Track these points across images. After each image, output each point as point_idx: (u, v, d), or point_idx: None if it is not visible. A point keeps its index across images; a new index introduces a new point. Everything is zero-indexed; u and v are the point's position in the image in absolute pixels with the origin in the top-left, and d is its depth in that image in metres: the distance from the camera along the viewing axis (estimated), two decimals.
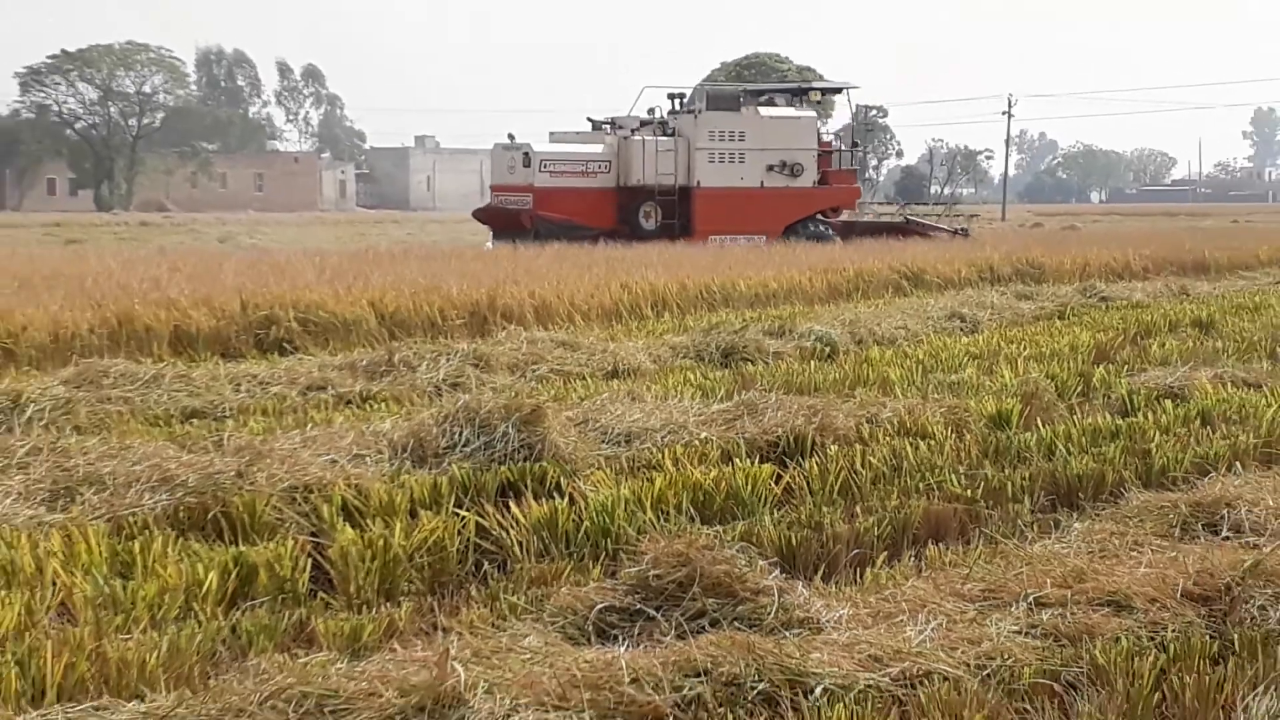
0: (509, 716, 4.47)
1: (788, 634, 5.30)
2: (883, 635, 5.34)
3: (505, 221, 33.48)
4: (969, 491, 7.88)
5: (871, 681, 4.95)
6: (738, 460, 8.32)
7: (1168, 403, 10.59)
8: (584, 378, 12.35)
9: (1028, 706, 4.98)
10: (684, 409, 9.70)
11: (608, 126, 35.79)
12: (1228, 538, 6.81)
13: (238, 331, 14.40)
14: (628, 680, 4.75)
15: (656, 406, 9.74)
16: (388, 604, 6.16)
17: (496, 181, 35.14)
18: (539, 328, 15.18)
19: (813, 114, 37.96)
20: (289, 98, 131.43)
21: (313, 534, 6.92)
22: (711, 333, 14.92)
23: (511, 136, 34.77)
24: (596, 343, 14.05)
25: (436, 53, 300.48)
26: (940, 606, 5.72)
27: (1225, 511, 7.06)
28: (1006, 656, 5.25)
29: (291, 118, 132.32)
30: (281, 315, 14.76)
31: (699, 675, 4.84)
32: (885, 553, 6.89)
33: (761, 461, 8.34)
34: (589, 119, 36.55)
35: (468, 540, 6.85)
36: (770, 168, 35.66)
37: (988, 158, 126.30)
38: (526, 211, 33.04)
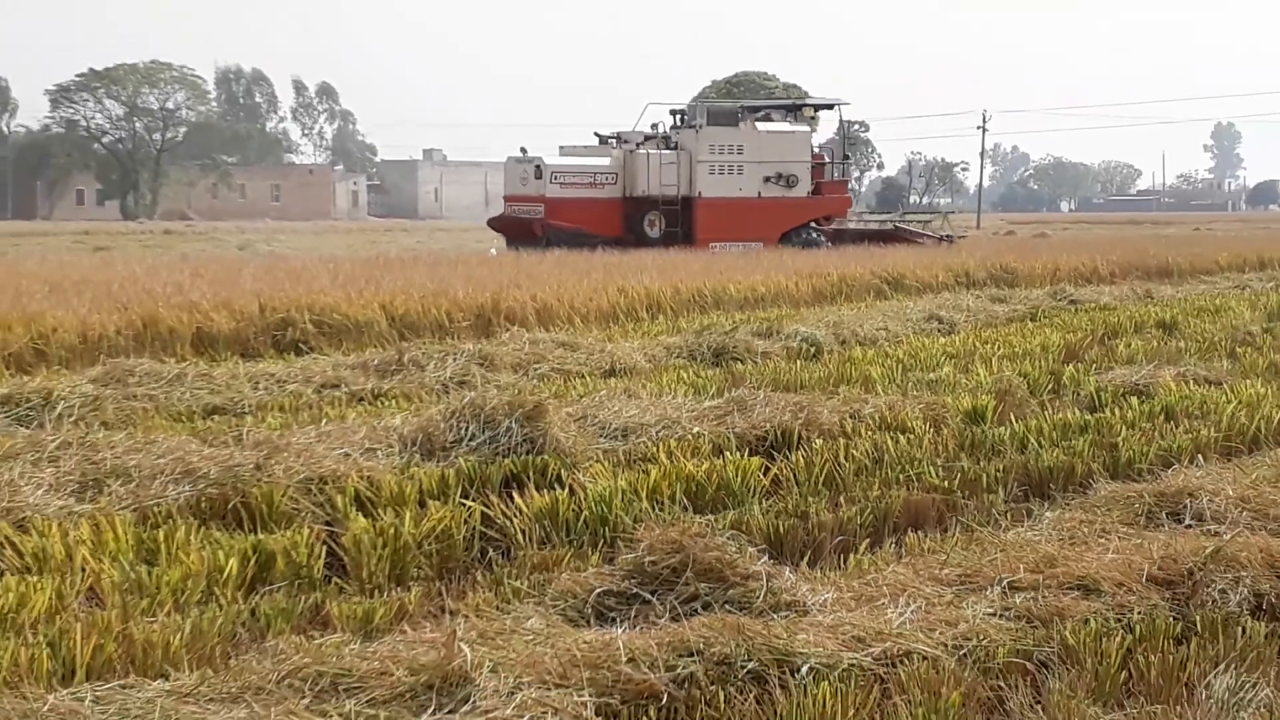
0: (513, 694, 4.47)
1: (776, 616, 5.29)
2: (865, 617, 5.33)
3: (518, 230, 33.72)
4: (946, 482, 7.88)
5: (855, 661, 4.95)
6: (728, 453, 8.32)
7: (1133, 399, 10.60)
8: (583, 376, 12.34)
9: (1002, 684, 4.98)
10: (677, 405, 9.70)
11: (614, 141, 36.04)
12: (1190, 526, 6.81)
13: (256, 333, 14.39)
14: (625, 660, 4.74)
15: (651, 403, 9.74)
16: (398, 588, 6.16)
17: (510, 192, 35.33)
18: (540, 329, 15.17)
19: (806, 128, 38.16)
20: (304, 113, 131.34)
21: (327, 523, 6.92)
22: (703, 334, 14.91)
23: (524, 150, 35.05)
24: (595, 343, 14.05)
25: (443, 71, 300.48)
26: (919, 590, 5.72)
27: (1188, 501, 7.06)
28: (982, 637, 5.25)
29: (307, 132, 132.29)
30: (297, 318, 14.75)
31: (692, 655, 4.84)
32: (867, 540, 6.88)
33: (751, 454, 8.34)
34: (596, 133, 36.86)
35: (473, 529, 6.84)
36: (767, 179, 35.91)
37: (963, 169, 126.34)
38: (539, 220, 33.29)
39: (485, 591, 5.98)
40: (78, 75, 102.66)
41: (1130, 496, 7.28)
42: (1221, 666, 5.10)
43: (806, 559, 6.55)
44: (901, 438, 8.93)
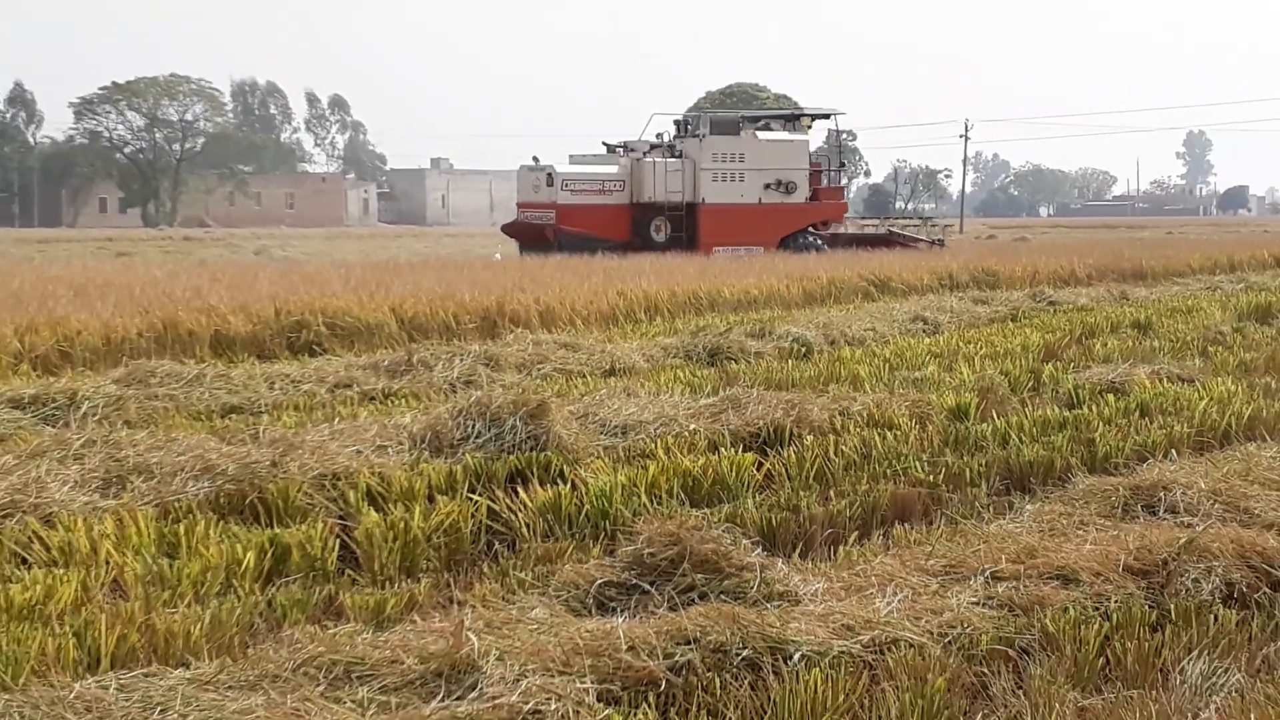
0: (518, 681, 4.47)
1: (769, 606, 5.29)
2: (854, 606, 5.34)
3: (531, 235, 33.93)
4: (931, 477, 7.88)
5: (844, 648, 4.95)
6: (723, 449, 8.32)
7: (1110, 396, 10.60)
8: (584, 376, 12.34)
9: (985, 670, 4.98)
10: (674, 404, 9.69)
11: (621, 149, 36.18)
12: (1164, 518, 6.81)
13: (272, 335, 14.38)
14: (625, 648, 4.74)
15: (650, 401, 9.73)
16: (408, 580, 6.16)
17: (523, 199, 35.55)
18: (544, 331, 15.16)
19: (805, 137, 38.29)
20: (317, 124, 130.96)
21: (340, 517, 6.91)
22: (699, 335, 14.91)
23: (536, 159, 35.34)
24: (595, 344, 14.04)
25: (450, 83, 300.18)
26: (906, 580, 5.72)
27: (1162, 494, 7.06)
28: (966, 625, 5.25)
29: (319, 142, 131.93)
30: (311, 320, 14.74)
31: (689, 643, 4.83)
32: (856, 532, 6.88)
33: (745, 450, 8.34)
34: (604, 143, 37.03)
35: (480, 522, 6.84)
36: (767, 186, 36.07)
37: (947, 176, 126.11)
38: (550, 226, 33.48)
39: (491, 583, 5.97)
40: (100, 88, 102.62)
41: (1107, 490, 7.29)
42: (1195, 653, 5.11)
43: (798, 551, 6.55)
44: (888, 434, 8.93)
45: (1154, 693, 4.78)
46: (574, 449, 8.24)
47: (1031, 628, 5.30)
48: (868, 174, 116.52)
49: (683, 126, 37.79)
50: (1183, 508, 6.90)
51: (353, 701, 4.36)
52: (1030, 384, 11.46)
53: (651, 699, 4.55)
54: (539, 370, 12.59)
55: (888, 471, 8.04)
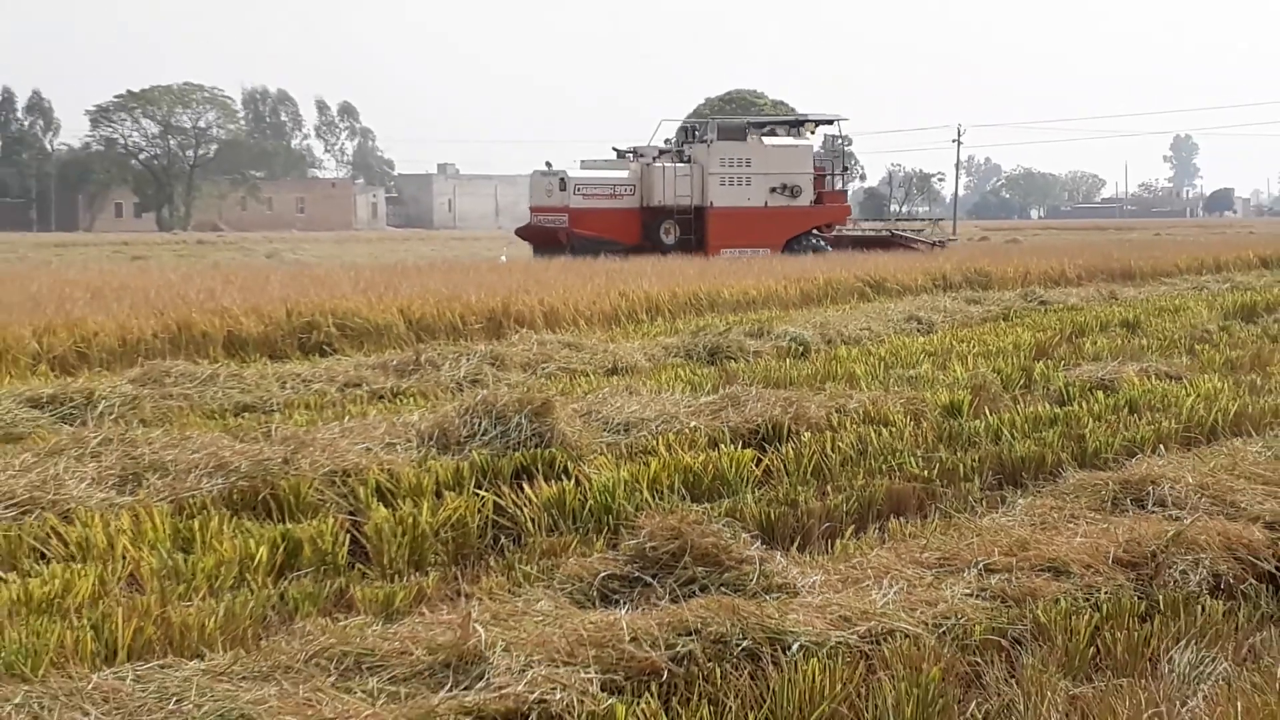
0: (524, 671, 4.46)
1: (768, 598, 5.29)
2: (851, 598, 5.33)
3: (544, 238, 34.05)
4: (926, 472, 7.88)
5: (842, 639, 4.95)
6: (723, 446, 8.31)
7: (1099, 393, 10.59)
8: (587, 375, 12.33)
9: (979, 660, 4.98)
10: (675, 401, 9.69)
11: (630, 155, 36.31)
12: (1153, 511, 6.80)
13: (283, 336, 14.38)
14: (628, 639, 4.74)
15: (651, 399, 9.73)
16: (417, 573, 6.16)
17: (536, 203, 35.65)
18: (548, 331, 15.16)
19: (809, 142, 38.40)
20: (327, 131, 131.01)
21: (350, 513, 6.91)
22: (699, 334, 14.90)
23: (549, 164, 35.40)
24: (598, 344, 14.04)
25: (451, 84, 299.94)
26: (901, 573, 5.72)
27: (1150, 488, 7.05)
28: (960, 616, 5.25)
29: (329, 148, 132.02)
30: (321, 321, 14.74)
31: (690, 634, 4.83)
32: (853, 526, 6.88)
33: (744, 447, 8.33)
34: (614, 148, 37.22)
35: (486, 517, 6.84)
36: (773, 189, 36.19)
37: (940, 180, 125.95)
38: (563, 229, 33.57)
39: (498, 576, 5.97)
40: (116, 97, 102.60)
41: (1097, 484, 7.28)
42: (1183, 642, 5.10)
43: (796, 544, 6.55)
44: (884, 430, 8.93)
45: (1143, 681, 4.78)
46: (578, 446, 8.24)
47: (1023, 618, 5.30)
48: (863, 177, 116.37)
49: (690, 132, 38.14)
50: (1171, 501, 6.89)
51: (363, 691, 4.36)
52: (1022, 381, 11.46)
53: (654, 688, 4.54)
54: (543, 369, 12.59)
55: (883, 467, 8.04)
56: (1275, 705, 4.33)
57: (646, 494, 7.24)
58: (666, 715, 4.39)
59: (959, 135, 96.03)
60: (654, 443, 8.43)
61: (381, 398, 11.06)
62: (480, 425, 8.37)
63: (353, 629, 4.88)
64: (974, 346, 14.14)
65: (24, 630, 4.95)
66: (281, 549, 6.16)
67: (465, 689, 4.39)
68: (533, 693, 4.35)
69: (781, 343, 14.68)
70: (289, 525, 6.51)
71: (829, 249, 34.90)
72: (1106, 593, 5.60)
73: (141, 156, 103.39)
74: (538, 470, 7.65)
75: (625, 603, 5.33)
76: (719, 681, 4.61)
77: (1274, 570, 6.13)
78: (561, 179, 34.44)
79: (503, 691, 4.35)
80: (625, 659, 4.65)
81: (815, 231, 36.88)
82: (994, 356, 13.23)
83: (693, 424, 8.96)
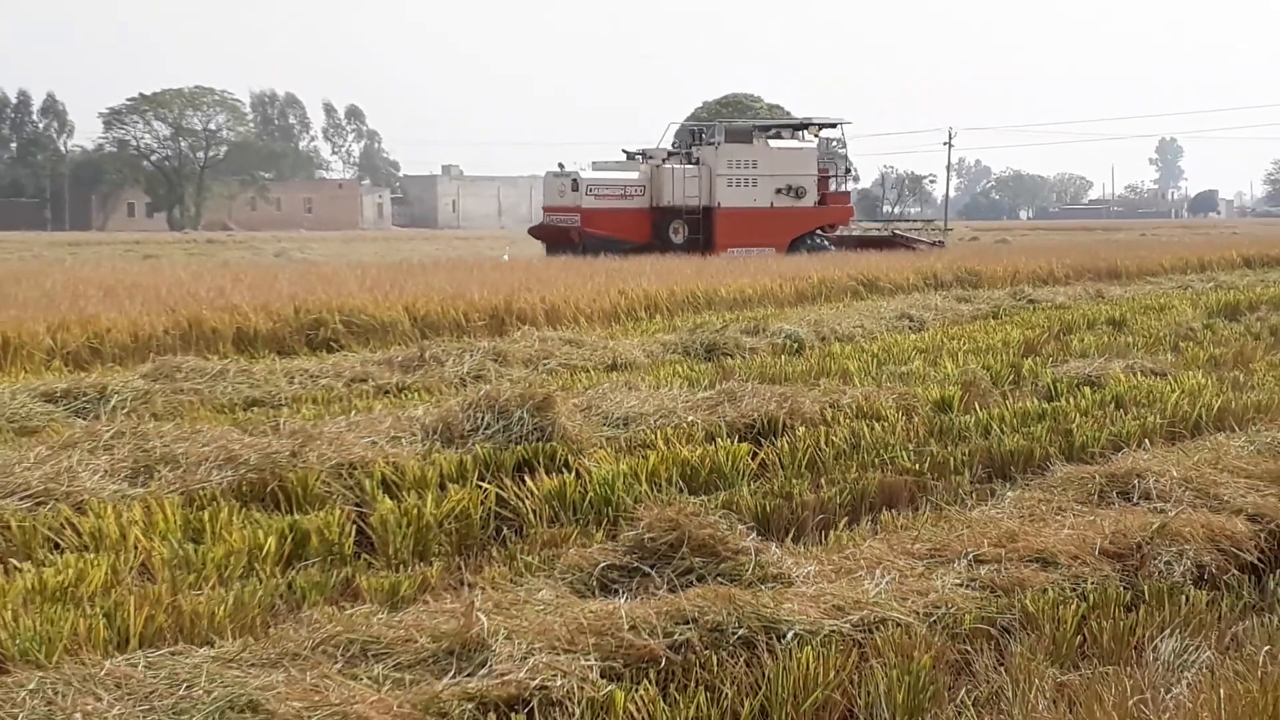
0: (526, 658, 4.47)
1: (763, 587, 5.29)
2: (844, 588, 5.33)
3: (557, 237, 34.14)
4: (917, 465, 7.88)
5: (835, 627, 4.95)
6: (719, 440, 8.32)
7: (1086, 389, 10.59)
8: (587, 370, 12.33)
9: (968, 648, 4.98)
10: (673, 396, 9.69)
11: (640, 156, 36.43)
12: (1138, 504, 6.80)
13: (291, 332, 14.38)
14: (627, 627, 4.75)
15: (650, 395, 9.73)
16: (421, 563, 6.16)
17: (548, 203, 35.78)
18: (549, 328, 15.16)
19: (813, 145, 38.46)
20: (334, 133, 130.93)
21: (356, 504, 6.91)
22: (696, 331, 14.90)
23: (561, 165, 35.53)
24: (598, 341, 14.04)
25: (457, 92, 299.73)
26: (893, 563, 5.72)
27: (1136, 481, 7.05)
28: (950, 605, 5.25)
29: (336, 150, 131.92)
30: (329, 318, 14.74)
31: (688, 623, 4.84)
32: (846, 518, 6.88)
33: (740, 441, 8.34)
34: (624, 150, 37.56)
35: (489, 509, 6.84)
36: (778, 190, 36.33)
37: (931, 182, 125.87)
38: (575, 229, 33.66)
39: (500, 566, 5.98)
40: (128, 99, 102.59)
41: (1084, 477, 7.28)
42: (1167, 631, 5.11)
43: (791, 535, 6.55)
44: (876, 425, 8.93)
45: (1128, 669, 4.78)
46: (578, 440, 8.24)
47: (1012, 608, 5.30)
48: (856, 179, 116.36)
49: (697, 135, 38.38)
50: (1155, 494, 6.89)
51: (369, 678, 4.36)
52: (1011, 378, 11.46)
53: (652, 675, 4.55)
54: (544, 365, 12.59)
55: (876, 460, 8.04)
56: (1257, 692, 4.33)
57: (645, 486, 7.24)
58: (664, 702, 4.39)
59: (950, 138, 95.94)
60: (652, 437, 8.43)
61: (387, 393, 11.05)
62: (483, 419, 8.37)
63: (359, 617, 4.88)
64: (964, 344, 14.14)
65: (38, 618, 4.95)
66: (289, 539, 6.15)
67: (468, 675, 4.40)
68: (534, 679, 4.35)
69: (777, 340, 14.67)
70: (297, 516, 6.51)
71: (832, 249, 34.96)
72: (1093, 583, 5.60)
73: (153, 158, 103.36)
74: (539, 463, 7.65)
75: (624, 592, 5.34)
76: (715, 669, 4.61)
77: (1256, 561, 6.15)
78: (574, 180, 34.58)
79: (505, 678, 4.35)
80: (624, 647, 4.65)
81: (819, 232, 36.99)
82: (984, 353, 13.23)
83: (690, 418, 8.96)
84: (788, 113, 70.26)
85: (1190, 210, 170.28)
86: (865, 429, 8.74)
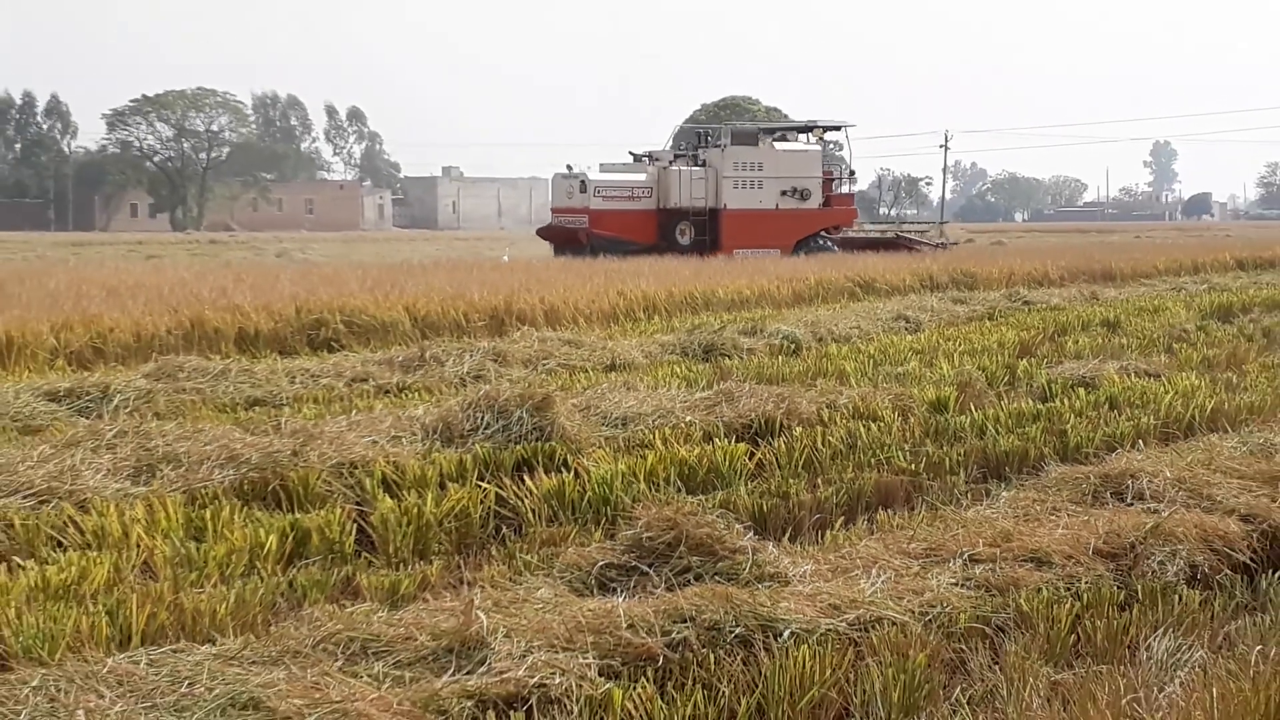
0: (525, 656, 4.47)
1: (760, 586, 5.29)
2: (840, 587, 5.33)
3: (565, 238, 34.22)
4: (913, 465, 7.88)
5: (831, 626, 4.95)
6: (717, 440, 8.32)
7: (1081, 390, 10.60)
8: (586, 371, 12.33)
9: (964, 647, 4.98)
10: (671, 397, 9.69)
11: (647, 158, 36.50)
12: (1132, 504, 6.80)
13: (293, 332, 14.38)
14: (625, 626, 4.75)
15: (648, 395, 9.73)
16: (421, 562, 6.16)
17: (557, 205, 35.88)
18: (548, 329, 15.15)
19: (818, 147, 38.56)
20: (336, 135, 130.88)
21: (357, 503, 6.91)
22: (694, 332, 14.90)
23: (569, 167, 35.74)
24: (597, 341, 14.04)
25: (458, 93, 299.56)
26: (889, 563, 5.72)
27: (1130, 482, 7.05)
28: (945, 604, 5.25)
29: (338, 152, 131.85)
30: (330, 318, 14.74)
31: (685, 621, 4.84)
32: (842, 517, 6.88)
33: (737, 441, 8.34)
34: (631, 152, 37.65)
35: (489, 508, 6.84)
36: (784, 192, 36.41)
37: (927, 184, 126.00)
38: (583, 230, 33.72)
39: (499, 564, 5.98)
40: (131, 101, 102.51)
41: (1078, 478, 7.28)
42: (1160, 631, 5.11)
43: (788, 535, 6.55)
44: (873, 425, 8.93)
45: (1122, 668, 4.78)
46: (577, 439, 8.24)
47: (1007, 607, 5.30)
48: (854, 181, 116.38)
49: (702, 137, 38.47)
50: (1149, 495, 6.89)
51: (369, 675, 4.36)
52: (1006, 379, 11.46)
53: (650, 674, 4.55)
54: (544, 365, 12.59)
55: (872, 460, 8.04)
56: (1249, 691, 4.34)
57: (643, 486, 7.24)
58: (662, 700, 4.39)
59: (946, 141, 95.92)
60: (651, 436, 8.43)
61: (387, 392, 11.05)
62: (483, 419, 8.37)
63: (359, 615, 4.88)
64: (960, 345, 14.14)
65: (41, 615, 4.95)
66: (290, 538, 6.15)
67: (468, 673, 4.40)
68: (533, 677, 4.35)
69: (774, 340, 14.67)
70: (298, 515, 6.51)
71: (836, 250, 34.99)
72: (1087, 582, 5.60)
73: (156, 159, 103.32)
74: (538, 463, 7.65)
75: (622, 591, 5.34)
76: (713, 667, 4.62)
77: (1248, 561, 6.15)
78: (582, 181, 34.69)
79: (504, 676, 4.35)
80: (622, 645, 4.66)
81: (823, 233, 37.04)
82: (979, 354, 13.24)
83: (688, 418, 8.96)
84: (785, 115, 70.28)
85: (1184, 213, 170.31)
86: (861, 429, 8.74)
